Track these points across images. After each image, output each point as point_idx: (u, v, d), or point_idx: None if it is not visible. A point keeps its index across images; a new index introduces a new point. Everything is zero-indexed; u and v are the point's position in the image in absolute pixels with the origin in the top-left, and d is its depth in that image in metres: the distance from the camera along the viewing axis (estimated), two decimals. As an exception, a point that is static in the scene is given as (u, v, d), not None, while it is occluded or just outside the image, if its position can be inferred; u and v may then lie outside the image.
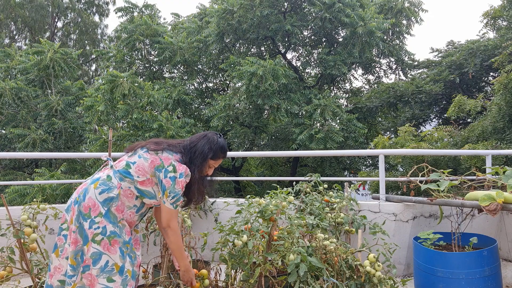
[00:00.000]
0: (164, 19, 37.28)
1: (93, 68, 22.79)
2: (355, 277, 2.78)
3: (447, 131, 9.42)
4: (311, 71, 14.30)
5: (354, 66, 13.34)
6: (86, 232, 1.98)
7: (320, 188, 3.90)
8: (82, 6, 22.37)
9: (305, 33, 12.47)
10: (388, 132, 14.14)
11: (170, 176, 2.07)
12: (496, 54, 10.19)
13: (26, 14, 20.43)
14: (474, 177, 3.57)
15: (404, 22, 12.97)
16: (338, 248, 2.79)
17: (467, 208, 3.21)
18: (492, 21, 12.17)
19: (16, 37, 22.13)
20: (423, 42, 50.15)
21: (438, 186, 3.35)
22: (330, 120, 10.69)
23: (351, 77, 14.36)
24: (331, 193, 3.91)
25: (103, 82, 9.85)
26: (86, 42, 22.33)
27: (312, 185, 3.92)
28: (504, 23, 11.98)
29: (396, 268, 3.10)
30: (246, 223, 2.80)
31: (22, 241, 2.45)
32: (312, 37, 12.58)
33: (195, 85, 13.68)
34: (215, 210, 4.24)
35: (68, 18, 22.33)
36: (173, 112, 11.07)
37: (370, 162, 13.90)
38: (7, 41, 21.07)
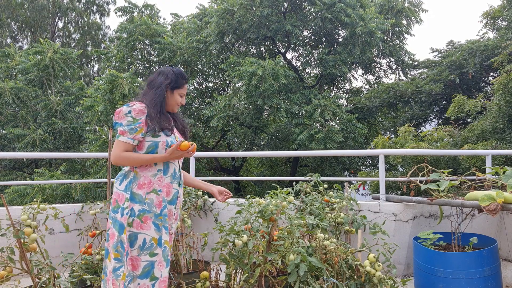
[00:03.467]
0: (164, 19, 37.29)
1: (95, 68, 22.82)
2: (355, 277, 2.78)
3: (447, 131, 9.42)
4: (311, 71, 14.30)
5: (354, 66, 13.34)
6: (120, 221, 2.04)
7: (320, 188, 3.90)
8: (82, 6, 22.36)
9: (305, 33, 12.47)
10: (388, 132, 14.15)
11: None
12: (496, 54, 10.19)
13: (27, 14, 20.44)
14: (474, 177, 3.57)
15: (404, 22, 12.98)
16: (338, 248, 2.79)
17: (467, 208, 3.21)
18: (492, 21, 12.17)
19: (17, 37, 22.15)
20: (423, 42, 50.16)
21: (438, 186, 3.35)
22: (330, 120, 10.68)
23: (351, 77, 14.37)
24: (331, 193, 3.92)
25: (103, 82, 9.85)
26: (88, 42, 22.35)
27: (312, 185, 3.92)
28: (504, 23, 11.98)
29: (396, 268, 3.10)
30: (246, 223, 2.80)
31: (22, 241, 2.45)
32: (312, 37, 12.57)
33: (195, 85, 13.68)
34: (215, 210, 4.24)
35: (69, 18, 22.35)
36: (173, 112, 11.04)
37: (370, 162, 13.90)
38: (8, 41, 21.09)
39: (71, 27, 22.65)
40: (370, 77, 14.91)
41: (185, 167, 6.37)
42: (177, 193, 2.22)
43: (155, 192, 2.12)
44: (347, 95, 14.93)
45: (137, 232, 2.04)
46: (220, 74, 13.74)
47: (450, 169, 3.61)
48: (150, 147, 2.12)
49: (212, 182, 12.22)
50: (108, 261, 2.13)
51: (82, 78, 19.94)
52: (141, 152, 2.11)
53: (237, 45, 12.93)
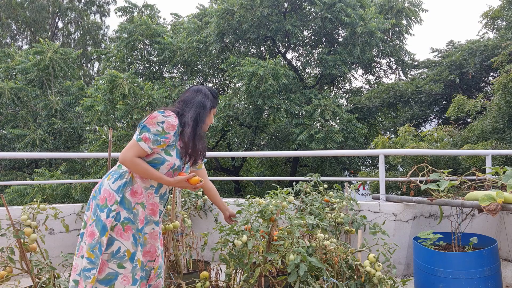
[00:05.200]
0: (164, 19, 37.26)
1: (95, 68, 22.82)
2: (355, 277, 2.78)
3: (447, 131, 9.41)
4: (311, 71, 14.31)
5: (354, 66, 13.34)
6: (104, 222, 1.96)
7: (320, 188, 3.90)
8: (82, 6, 22.37)
9: (305, 33, 12.47)
10: (388, 132, 14.15)
11: (146, 116, 2.07)
12: (496, 54, 10.19)
13: (27, 15, 20.45)
14: (474, 177, 3.57)
15: (404, 22, 12.98)
16: (338, 248, 2.79)
17: (467, 208, 3.21)
18: (491, 22, 12.17)
19: (17, 37, 22.15)
20: (423, 42, 50.23)
21: (438, 186, 3.35)
22: (330, 120, 10.68)
23: (351, 77, 14.36)
24: (331, 193, 3.91)
25: (103, 82, 9.86)
26: (88, 42, 22.35)
27: (312, 185, 3.92)
28: (504, 23, 11.97)
29: (396, 268, 3.10)
30: (246, 223, 2.80)
31: (22, 241, 2.45)
32: (312, 37, 12.58)
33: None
34: (215, 210, 4.24)
35: (69, 18, 22.35)
36: (173, 112, 11.03)
37: (370, 162, 13.90)
38: (8, 41, 21.10)
39: (71, 27, 22.65)
40: (370, 77, 14.92)
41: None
42: (161, 213, 2.19)
43: (142, 205, 2.06)
44: (347, 95, 14.93)
45: (115, 238, 1.98)
46: (220, 74, 13.74)
47: (450, 169, 3.60)
48: (156, 160, 2.06)
49: (212, 182, 12.24)
50: (74, 255, 2.09)
51: (82, 78, 19.93)
52: (145, 159, 2.05)
53: (237, 45, 12.93)
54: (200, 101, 2.17)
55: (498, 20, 12.10)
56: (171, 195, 2.88)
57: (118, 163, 2.13)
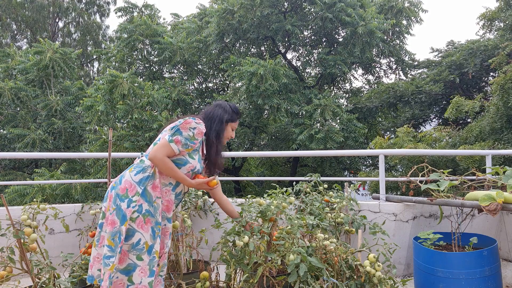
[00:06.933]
0: (164, 19, 37.23)
1: (95, 69, 22.82)
2: (355, 277, 2.78)
3: (446, 131, 9.41)
4: (311, 71, 14.31)
5: (354, 66, 13.34)
6: (124, 212, 2.03)
7: (320, 188, 3.90)
8: (83, 6, 22.37)
9: (305, 33, 12.48)
10: (388, 132, 14.15)
11: (180, 120, 2.18)
12: (496, 55, 10.19)
13: (27, 14, 20.45)
14: (474, 177, 3.57)
15: (404, 22, 12.98)
16: (338, 248, 2.79)
17: (467, 208, 3.21)
18: (489, 23, 12.16)
19: (17, 37, 22.14)
20: (423, 42, 50.24)
21: (438, 186, 3.34)
22: (330, 120, 10.69)
23: (351, 77, 14.38)
24: (331, 193, 3.91)
25: (103, 82, 9.85)
26: (89, 42, 22.35)
27: (312, 185, 3.92)
28: (501, 24, 11.97)
29: (396, 268, 3.10)
30: (246, 223, 2.79)
31: (22, 241, 2.45)
32: (312, 37, 12.58)
33: (195, 85, 13.69)
34: (215, 210, 4.24)
35: (69, 18, 22.35)
36: (173, 112, 11.06)
37: (370, 162, 13.90)
38: (8, 41, 21.09)
39: (71, 27, 22.66)
40: (370, 77, 14.92)
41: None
42: (173, 211, 2.30)
43: (161, 200, 2.15)
44: (347, 95, 14.94)
45: (136, 229, 2.04)
46: (220, 74, 13.74)
47: (449, 169, 3.60)
48: (180, 161, 2.16)
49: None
50: (93, 246, 2.16)
51: (82, 78, 19.93)
52: (161, 176, 2.15)
53: (237, 45, 12.93)
54: (218, 115, 2.31)
55: (496, 22, 12.10)
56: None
57: (140, 158, 2.22)
